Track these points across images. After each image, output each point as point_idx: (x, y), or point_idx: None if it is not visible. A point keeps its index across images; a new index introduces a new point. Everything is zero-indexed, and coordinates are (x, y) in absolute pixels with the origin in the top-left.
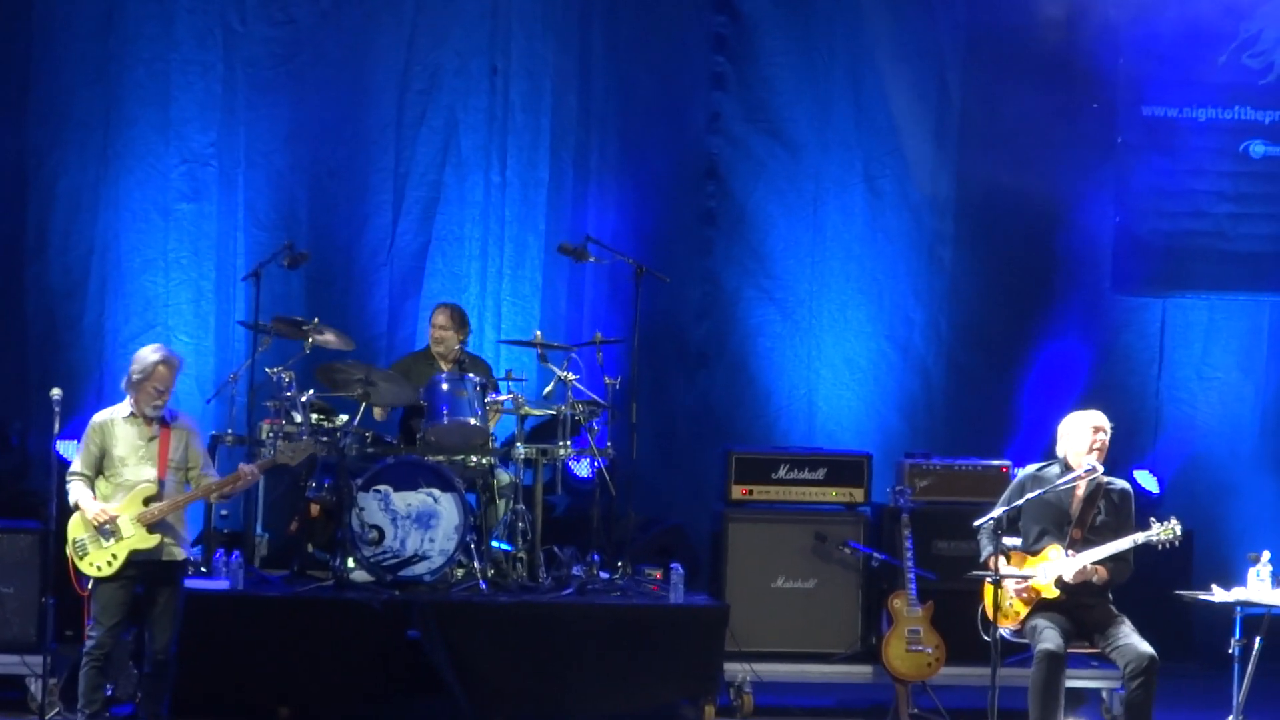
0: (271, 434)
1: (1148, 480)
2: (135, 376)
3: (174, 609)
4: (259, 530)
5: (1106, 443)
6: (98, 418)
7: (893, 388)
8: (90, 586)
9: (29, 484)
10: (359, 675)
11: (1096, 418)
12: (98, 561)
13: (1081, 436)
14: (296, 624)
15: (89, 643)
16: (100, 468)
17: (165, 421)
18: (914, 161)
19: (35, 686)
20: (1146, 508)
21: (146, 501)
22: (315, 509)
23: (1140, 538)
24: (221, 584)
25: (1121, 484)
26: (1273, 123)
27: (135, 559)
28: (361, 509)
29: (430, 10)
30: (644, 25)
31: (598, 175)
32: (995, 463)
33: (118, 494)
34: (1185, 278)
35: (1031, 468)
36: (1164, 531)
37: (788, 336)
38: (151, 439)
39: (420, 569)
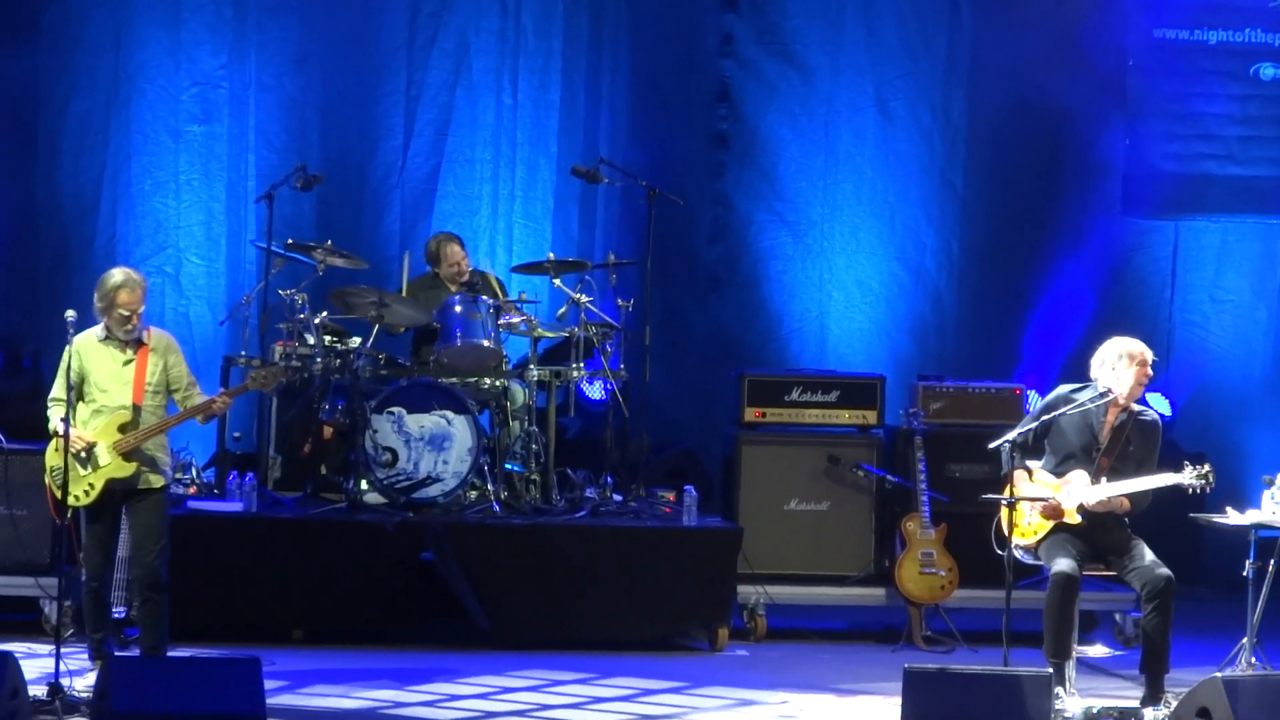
0: (285, 356)
1: (1160, 403)
2: (100, 304)
3: (158, 533)
4: (272, 452)
5: (1151, 376)
6: (74, 342)
7: (904, 310)
8: (71, 515)
9: (42, 406)
10: (372, 597)
11: (1148, 354)
12: (75, 491)
13: (1131, 373)
14: (310, 546)
15: (84, 572)
16: (81, 393)
17: (141, 342)
18: (925, 85)
19: (50, 609)
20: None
21: (122, 429)
22: (328, 431)
23: (1171, 479)
24: (235, 506)
25: (1152, 415)
26: None
27: (113, 486)
28: (375, 431)
29: None
30: None
31: (609, 98)
32: (1008, 385)
33: (95, 419)
34: (1196, 201)
35: (1065, 388)
36: (1196, 476)
37: (799, 259)
38: (127, 362)
39: (433, 491)
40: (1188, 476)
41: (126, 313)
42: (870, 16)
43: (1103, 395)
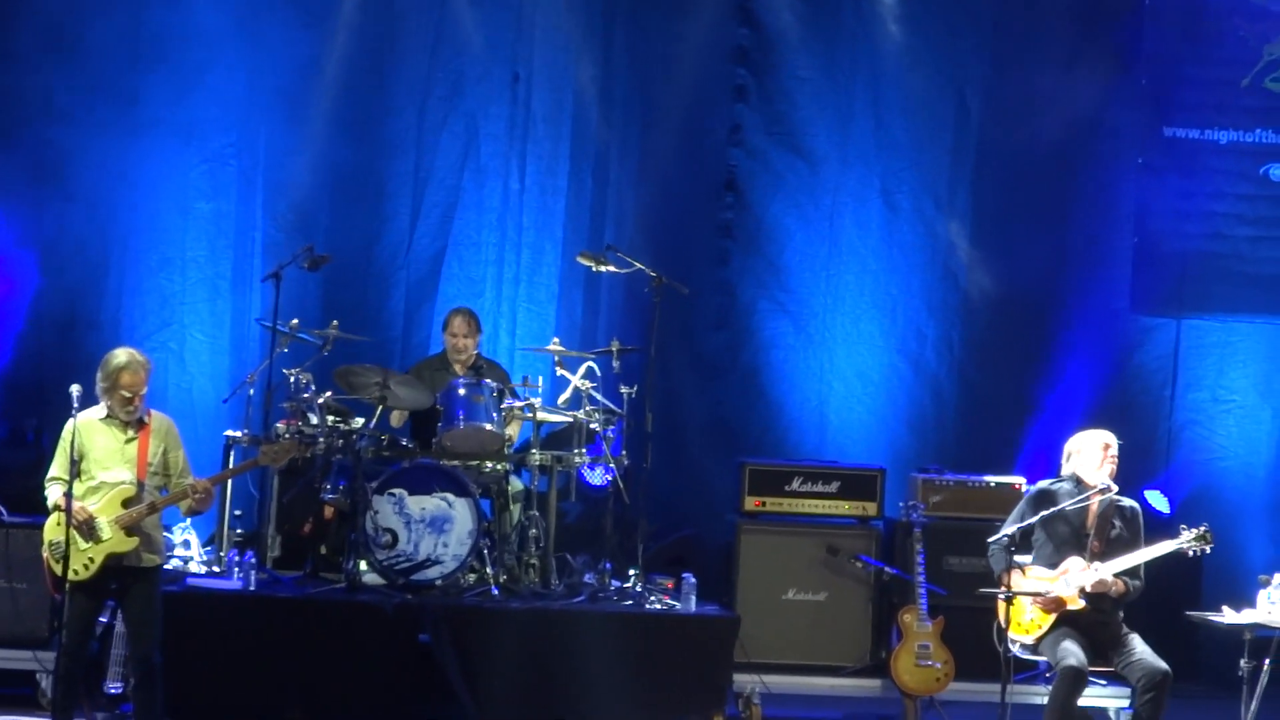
0: (288, 436)
1: (1158, 500)
2: (102, 384)
3: (153, 614)
4: (272, 531)
5: (1116, 458)
6: (75, 420)
7: (904, 402)
8: (66, 591)
9: (43, 480)
10: (369, 678)
11: (1106, 435)
12: (75, 565)
13: (1094, 454)
14: (308, 626)
15: (61, 648)
16: (79, 470)
17: (143, 423)
18: (931, 177)
19: (46, 683)
20: (1158, 528)
21: (125, 504)
22: (329, 511)
23: (1170, 545)
24: (234, 584)
25: (1130, 501)
26: None
27: (111, 564)
28: (376, 512)
29: (454, 17)
30: (666, 36)
31: (616, 184)
32: (1007, 479)
33: (93, 496)
34: (1203, 299)
35: (1042, 484)
36: (1196, 539)
37: (801, 349)
38: (129, 440)
39: (433, 573)
40: (1186, 540)
41: (129, 394)
42: (878, 108)
43: (1080, 484)
